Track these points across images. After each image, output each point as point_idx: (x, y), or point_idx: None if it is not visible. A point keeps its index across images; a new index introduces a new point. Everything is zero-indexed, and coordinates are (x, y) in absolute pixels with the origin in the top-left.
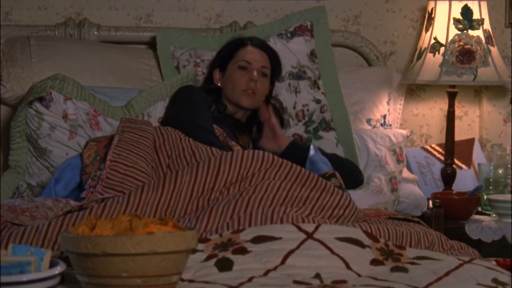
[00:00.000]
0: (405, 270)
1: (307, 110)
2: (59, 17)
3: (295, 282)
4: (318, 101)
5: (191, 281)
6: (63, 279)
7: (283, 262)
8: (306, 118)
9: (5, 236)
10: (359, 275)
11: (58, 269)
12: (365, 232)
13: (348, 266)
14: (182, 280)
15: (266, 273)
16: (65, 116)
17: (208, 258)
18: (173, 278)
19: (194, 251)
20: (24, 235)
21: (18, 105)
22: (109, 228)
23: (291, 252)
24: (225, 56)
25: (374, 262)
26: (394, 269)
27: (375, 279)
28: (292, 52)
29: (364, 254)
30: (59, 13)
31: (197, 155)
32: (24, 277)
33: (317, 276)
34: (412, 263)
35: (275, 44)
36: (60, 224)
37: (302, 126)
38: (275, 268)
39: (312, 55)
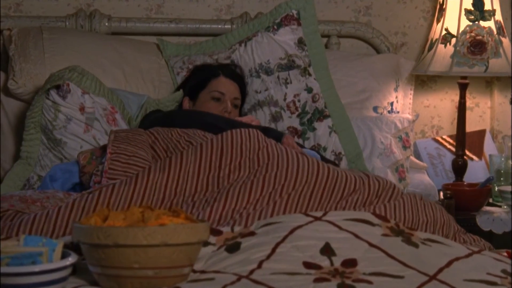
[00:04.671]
0: (415, 245)
1: (299, 100)
2: (70, 8)
3: (305, 264)
4: (310, 90)
5: (202, 271)
6: (75, 270)
7: (291, 232)
8: (300, 110)
9: (16, 223)
10: (370, 244)
11: (69, 260)
12: (374, 214)
13: (357, 237)
14: (194, 271)
15: (274, 248)
16: (81, 109)
17: (219, 248)
18: (184, 269)
19: (206, 244)
20: (34, 221)
21: (31, 100)
22: (121, 219)
23: (299, 226)
24: (196, 85)
25: (385, 235)
26: (405, 241)
27: (387, 254)
28: (279, 44)
29: (374, 230)
30: (70, 4)
31: (194, 143)
32: (36, 268)
33: (327, 249)
34: (422, 243)
35: (262, 38)
36: (70, 209)
37: (296, 119)
38: (283, 239)
39: (301, 42)
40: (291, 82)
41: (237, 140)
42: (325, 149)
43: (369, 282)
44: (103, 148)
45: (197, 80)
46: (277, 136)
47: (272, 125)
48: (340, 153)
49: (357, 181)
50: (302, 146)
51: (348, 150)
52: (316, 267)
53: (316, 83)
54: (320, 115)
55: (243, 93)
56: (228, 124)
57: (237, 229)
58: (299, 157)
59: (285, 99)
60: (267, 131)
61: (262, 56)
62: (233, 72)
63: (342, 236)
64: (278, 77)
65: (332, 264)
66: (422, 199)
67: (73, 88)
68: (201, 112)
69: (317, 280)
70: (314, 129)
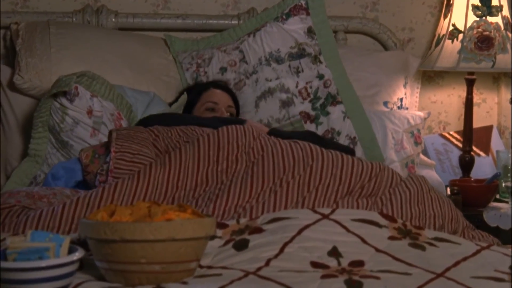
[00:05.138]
0: (422, 247)
1: (310, 87)
2: (77, 4)
3: (313, 264)
4: (321, 77)
5: (209, 267)
6: (81, 265)
7: (299, 233)
8: (311, 96)
9: (22, 219)
10: (376, 249)
11: (76, 255)
12: (381, 214)
13: (364, 241)
14: (201, 266)
15: (282, 248)
16: (89, 112)
17: (226, 243)
18: (191, 264)
19: (212, 237)
20: (40, 218)
21: (37, 95)
22: (128, 215)
23: (306, 226)
24: (189, 103)
25: (391, 238)
26: (411, 245)
27: (393, 257)
28: (289, 33)
29: (381, 232)
30: (76, 0)
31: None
32: (43, 263)
33: (334, 252)
34: (430, 244)
35: (271, 27)
36: (75, 205)
37: (308, 104)
38: (291, 240)
39: (310, 31)
40: (302, 71)
41: (233, 135)
42: (339, 133)
43: (377, 278)
44: (105, 146)
45: (189, 98)
46: (239, 122)
47: (283, 111)
48: (354, 137)
49: (354, 160)
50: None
51: (362, 135)
52: (324, 266)
53: (327, 70)
54: (333, 100)
55: (236, 104)
56: (199, 123)
57: (242, 221)
58: (292, 146)
59: (297, 87)
60: (230, 122)
61: (272, 45)
62: (223, 83)
63: (349, 239)
64: (289, 66)
65: (339, 264)
66: (430, 191)
67: (81, 91)
68: (174, 114)
69: (324, 277)
70: (327, 113)
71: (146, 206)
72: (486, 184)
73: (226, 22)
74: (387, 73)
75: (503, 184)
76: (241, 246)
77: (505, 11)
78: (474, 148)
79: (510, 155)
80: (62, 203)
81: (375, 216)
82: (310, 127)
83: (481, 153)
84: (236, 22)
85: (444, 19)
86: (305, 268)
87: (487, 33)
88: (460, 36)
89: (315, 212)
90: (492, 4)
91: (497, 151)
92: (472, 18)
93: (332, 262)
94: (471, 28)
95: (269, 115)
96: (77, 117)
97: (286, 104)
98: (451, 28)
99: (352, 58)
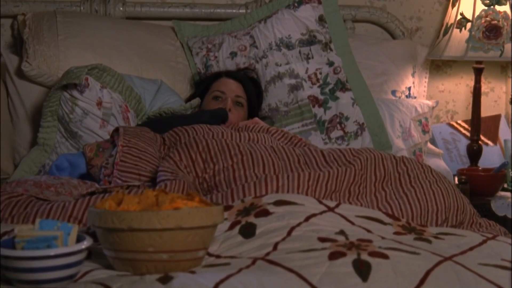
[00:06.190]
0: (428, 241)
1: (320, 73)
2: None
3: (320, 239)
4: (331, 64)
5: (217, 256)
6: (89, 254)
7: (306, 220)
8: (321, 81)
9: (32, 212)
10: (383, 238)
11: (84, 244)
12: (385, 213)
13: (370, 232)
14: (210, 254)
15: (289, 232)
16: (99, 103)
17: (232, 226)
18: (199, 253)
19: None
20: (50, 212)
21: (45, 82)
22: (136, 203)
23: (313, 215)
24: (203, 90)
25: (397, 233)
26: (417, 239)
27: (400, 243)
28: (300, 20)
29: (386, 228)
30: None
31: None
32: (51, 252)
33: (342, 232)
34: (435, 237)
35: (283, 14)
36: (86, 203)
37: (317, 89)
38: (298, 225)
39: (321, 20)
40: (312, 57)
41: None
42: (347, 118)
43: (385, 257)
44: (110, 141)
45: (203, 85)
46: (221, 114)
47: (291, 95)
48: (363, 123)
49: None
50: None
51: (370, 122)
52: (332, 240)
53: (337, 58)
54: (343, 86)
55: (251, 92)
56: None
57: (247, 199)
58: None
59: (306, 72)
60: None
61: (283, 30)
62: (237, 73)
63: (356, 229)
64: (299, 52)
65: (347, 239)
66: (432, 185)
67: (91, 83)
68: (161, 119)
69: (332, 256)
70: (336, 98)
71: (154, 194)
72: (494, 173)
73: (234, 11)
74: (395, 62)
75: (511, 174)
76: (248, 233)
77: None
78: (482, 137)
79: None
80: (74, 200)
81: (378, 215)
82: (318, 111)
83: (489, 142)
84: (244, 11)
85: (452, 8)
86: (312, 246)
87: (495, 22)
88: (468, 25)
89: (321, 203)
90: None
91: (505, 140)
92: (480, 7)
93: (340, 237)
94: (479, 17)
95: (277, 99)
96: (87, 108)
97: (294, 87)
98: (459, 17)
99: (361, 47)
